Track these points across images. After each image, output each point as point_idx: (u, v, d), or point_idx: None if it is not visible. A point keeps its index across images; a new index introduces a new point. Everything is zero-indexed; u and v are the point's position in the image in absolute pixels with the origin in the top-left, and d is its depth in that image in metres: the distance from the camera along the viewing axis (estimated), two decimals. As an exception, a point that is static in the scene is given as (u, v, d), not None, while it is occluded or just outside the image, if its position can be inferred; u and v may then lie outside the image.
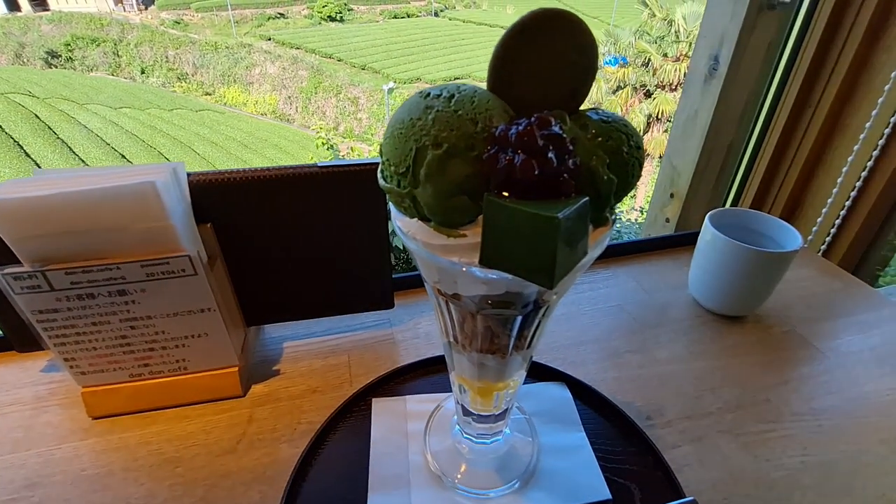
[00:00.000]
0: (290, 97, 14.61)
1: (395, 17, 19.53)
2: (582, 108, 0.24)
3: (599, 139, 0.22)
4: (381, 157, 0.24)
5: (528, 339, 0.28)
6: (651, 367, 0.47)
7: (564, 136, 0.21)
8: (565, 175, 0.21)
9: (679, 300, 0.57)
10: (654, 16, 9.59)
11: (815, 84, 0.70)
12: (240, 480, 0.37)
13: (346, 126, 13.79)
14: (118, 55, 15.81)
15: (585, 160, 0.22)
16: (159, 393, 0.43)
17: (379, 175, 0.24)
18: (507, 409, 0.34)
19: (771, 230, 0.53)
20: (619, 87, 9.29)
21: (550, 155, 0.20)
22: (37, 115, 9.60)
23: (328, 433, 0.40)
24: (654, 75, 9.00)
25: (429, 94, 0.22)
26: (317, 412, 0.43)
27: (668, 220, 0.88)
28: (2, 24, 16.35)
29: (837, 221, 0.69)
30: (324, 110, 14.21)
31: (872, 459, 0.39)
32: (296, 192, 0.42)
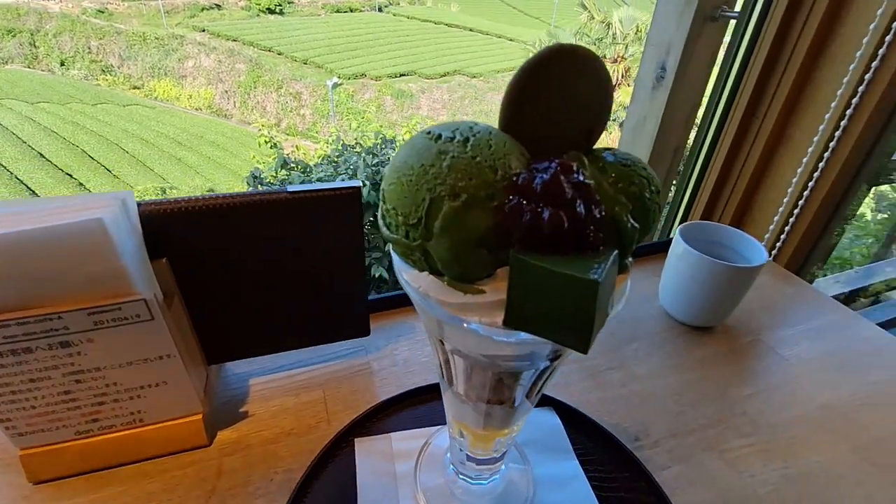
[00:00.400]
0: (227, 91, 13.92)
1: (338, 12, 19.07)
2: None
3: (621, 185, 0.21)
4: (384, 203, 0.21)
5: (540, 386, 0.26)
6: (632, 385, 0.48)
7: (591, 184, 0.19)
8: (592, 227, 0.19)
9: (650, 312, 0.58)
10: (593, 18, 9.96)
11: (762, 96, 0.74)
12: (213, 547, 0.33)
13: (288, 122, 13.33)
14: (35, 46, 14.41)
15: (608, 208, 0.20)
16: (112, 450, 0.38)
17: (381, 223, 0.22)
18: (507, 450, 0.33)
19: (735, 243, 0.54)
20: (562, 87, 9.56)
21: (579, 207, 0.19)
22: (-63, 112, 8.60)
23: (310, 482, 0.37)
24: (594, 76, 9.34)
25: (440, 137, 0.20)
26: (294, 458, 0.39)
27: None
28: None
29: (787, 228, 0.72)
30: (264, 105, 13.66)
31: (846, 470, 0.41)
32: (263, 220, 0.38)
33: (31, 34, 14.44)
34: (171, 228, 0.36)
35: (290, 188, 0.38)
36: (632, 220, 0.21)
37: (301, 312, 0.44)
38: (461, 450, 0.32)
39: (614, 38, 9.65)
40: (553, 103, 0.21)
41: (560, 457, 0.40)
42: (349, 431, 0.41)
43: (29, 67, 13.92)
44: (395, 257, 0.22)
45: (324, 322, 0.46)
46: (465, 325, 0.20)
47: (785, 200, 0.71)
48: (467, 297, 0.20)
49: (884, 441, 0.43)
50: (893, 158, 0.90)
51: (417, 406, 0.44)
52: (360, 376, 0.47)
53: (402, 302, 0.55)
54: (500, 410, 0.27)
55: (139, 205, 0.34)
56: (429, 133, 0.20)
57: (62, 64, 14.11)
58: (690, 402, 0.46)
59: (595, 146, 0.23)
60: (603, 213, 0.20)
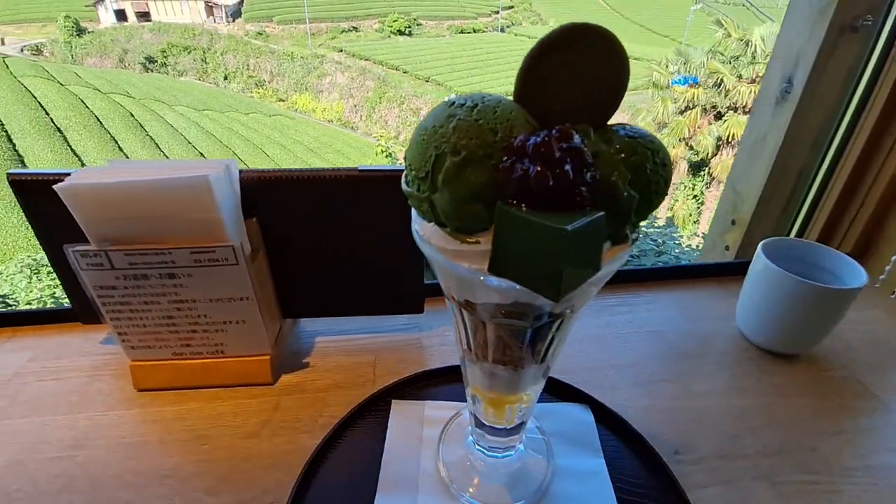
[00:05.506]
0: (355, 105, 15.21)
1: (462, 32, 19.89)
2: (615, 122, 0.24)
3: (623, 154, 0.22)
4: (405, 162, 0.24)
5: (542, 352, 0.27)
6: (686, 400, 0.45)
7: (584, 149, 0.21)
8: (582, 188, 0.20)
9: (724, 331, 0.53)
10: (730, 35, 9.17)
11: (898, 111, 0.65)
12: (259, 464, 0.39)
13: (406, 135, 14.15)
14: (206, 62, 17.23)
15: (606, 175, 0.21)
16: (197, 373, 0.45)
17: (402, 179, 0.25)
18: (521, 424, 0.34)
19: (832, 265, 0.49)
20: (687, 108, 8.91)
21: (567, 167, 0.20)
22: (131, 114, 10.61)
23: (345, 429, 0.41)
24: (726, 96, 8.57)
25: (454, 103, 0.23)
26: (339, 407, 0.44)
27: (727, 248, 0.84)
28: (111, 33, 18.37)
29: (917, 262, 0.62)
30: (386, 119, 14.67)
31: (934, 529, 0.35)
32: (337, 194, 0.44)
33: (203, 52, 17.32)
34: (263, 193, 0.43)
35: (362, 168, 0.43)
36: (629, 189, 0.21)
37: (363, 283, 0.49)
38: (476, 416, 0.34)
39: (754, 57, 8.80)
40: (565, 80, 0.22)
41: (586, 452, 0.39)
42: (389, 391, 0.44)
43: (199, 80, 16.62)
44: (413, 212, 0.25)
45: (382, 295, 0.50)
46: (456, 269, 0.22)
47: (916, 229, 0.61)
48: (462, 245, 0.22)
49: None
50: None
51: (456, 382, 0.46)
52: (409, 349, 0.51)
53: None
54: (505, 372, 0.28)
55: (241, 171, 0.42)
56: (449, 100, 0.23)
57: (225, 78, 16.63)
58: (751, 427, 0.42)
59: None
60: (596, 178, 0.21)
